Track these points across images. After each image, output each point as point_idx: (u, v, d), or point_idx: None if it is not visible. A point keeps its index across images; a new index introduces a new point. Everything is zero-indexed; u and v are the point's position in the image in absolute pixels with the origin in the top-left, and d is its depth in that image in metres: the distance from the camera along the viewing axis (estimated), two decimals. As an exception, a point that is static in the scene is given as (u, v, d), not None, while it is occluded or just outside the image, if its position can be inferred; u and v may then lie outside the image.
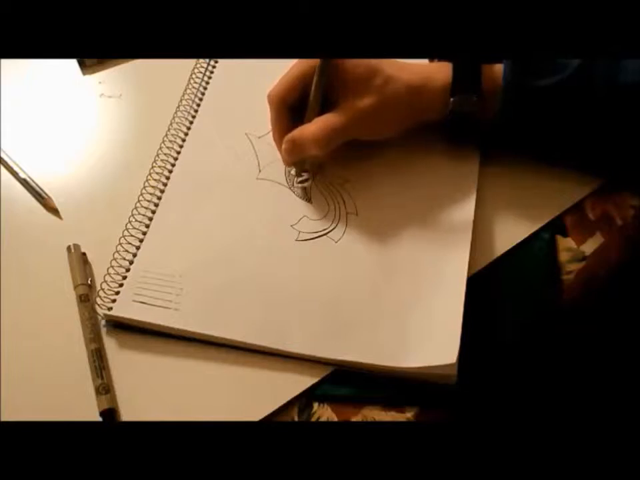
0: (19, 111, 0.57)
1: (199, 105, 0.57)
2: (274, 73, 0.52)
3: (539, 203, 0.52)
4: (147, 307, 0.46)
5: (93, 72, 0.60)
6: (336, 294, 0.47)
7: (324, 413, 0.44)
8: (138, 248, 0.49)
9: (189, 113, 0.56)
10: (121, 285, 0.47)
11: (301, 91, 0.50)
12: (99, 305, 0.46)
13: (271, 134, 0.53)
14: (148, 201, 0.51)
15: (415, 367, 0.43)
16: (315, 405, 0.44)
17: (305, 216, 0.50)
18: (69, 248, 0.49)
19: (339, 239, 0.49)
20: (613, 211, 0.53)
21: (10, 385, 0.44)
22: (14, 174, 0.54)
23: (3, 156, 0.54)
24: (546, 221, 0.51)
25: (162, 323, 0.45)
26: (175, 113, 0.56)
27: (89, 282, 0.47)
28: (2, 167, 0.54)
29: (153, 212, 0.51)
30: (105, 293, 0.46)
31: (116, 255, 0.48)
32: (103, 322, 0.46)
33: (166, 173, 0.53)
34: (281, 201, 0.51)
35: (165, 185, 0.52)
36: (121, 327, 0.46)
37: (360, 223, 0.50)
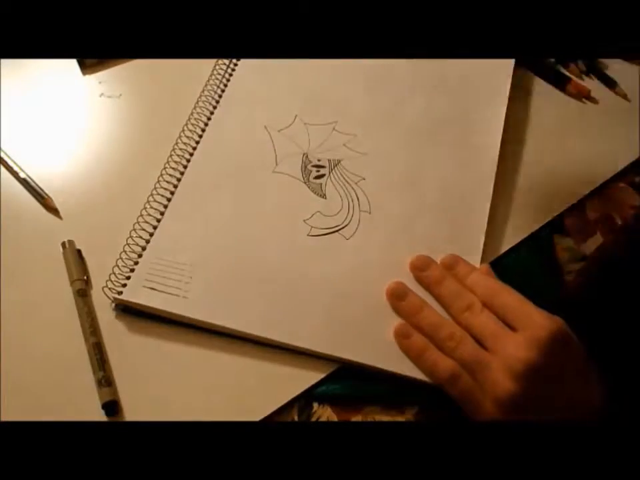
0: (19, 110, 0.57)
1: (220, 97, 0.57)
2: (296, 70, 0.56)
3: (539, 202, 0.52)
4: (156, 292, 0.46)
5: (93, 72, 0.60)
6: (344, 292, 0.47)
7: (324, 412, 0.44)
8: (151, 234, 0.49)
9: (210, 103, 0.56)
10: (132, 270, 0.47)
11: None
12: (109, 288, 0.46)
13: (290, 128, 0.54)
14: (164, 188, 0.51)
15: (405, 374, 0.44)
16: (315, 405, 0.44)
17: (318, 211, 0.51)
18: (63, 244, 0.49)
19: (350, 237, 0.49)
20: (613, 211, 0.53)
21: (11, 380, 0.44)
22: (14, 174, 0.54)
23: (3, 156, 0.54)
24: (546, 220, 0.51)
25: (169, 310, 0.46)
26: (197, 102, 0.56)
27: (85, 278, 0.48)
28: (2, 167, 0.54)
29: (169, 199, 0.51)
30: (116, 277, 0.47)
31: (129, 240, 0.48)
32: (113, 305, 0.47)
33: (184, 161, 0.53)
34: (295, 195, 0.51)
35: (182, 173, 0.52)
36: (130, 311, 0.47)
37: (372, 222, 0.50)
